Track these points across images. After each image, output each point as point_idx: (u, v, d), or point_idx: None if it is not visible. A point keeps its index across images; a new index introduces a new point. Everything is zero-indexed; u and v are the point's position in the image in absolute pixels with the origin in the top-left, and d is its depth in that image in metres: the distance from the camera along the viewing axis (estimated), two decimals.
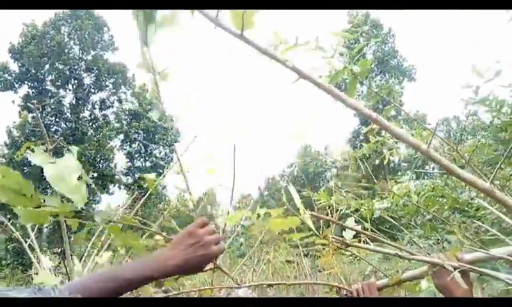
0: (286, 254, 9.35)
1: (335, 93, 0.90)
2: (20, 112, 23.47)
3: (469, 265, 0.93)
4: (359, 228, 1.17)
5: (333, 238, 1.10)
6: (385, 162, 2.84)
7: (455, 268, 0.90)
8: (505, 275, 0.83)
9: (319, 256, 10.64)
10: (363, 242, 1.33)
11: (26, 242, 2.70)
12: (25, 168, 22.23)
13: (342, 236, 1.16)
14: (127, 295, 0.90)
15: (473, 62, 1.57)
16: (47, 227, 23.10)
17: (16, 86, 24.11)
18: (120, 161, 27.83)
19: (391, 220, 2.24)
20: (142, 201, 2.49)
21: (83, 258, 2.73)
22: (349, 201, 2.68)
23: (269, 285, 1.55)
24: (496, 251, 0.94)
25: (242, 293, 1.90)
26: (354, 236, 1.22)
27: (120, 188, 26.10)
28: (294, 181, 38.48)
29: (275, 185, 47.17)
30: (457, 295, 0.95)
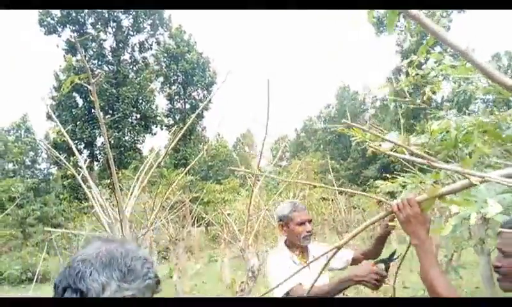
0: (321, 192, 9.56)
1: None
2: (64, 55, 24.27)
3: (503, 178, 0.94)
4: (397, 140, 1.19)
5: (370, 146, 1.15)
6: (425, 97, 2.76)
7: (483, 181, 0.94)
8: None
9: (353, 195, 10.81)
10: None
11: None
12: (74, 110, 23.46)
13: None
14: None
15: None
16: (97, 164, 24.72)
17: (59, 29, 24.71)
18: (161, 103, 28.56)
19: (425, 156, 2.24)
20: (180, 135, 2.63)
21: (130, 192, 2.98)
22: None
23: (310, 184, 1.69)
24: None
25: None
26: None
27: (161, 129, 27.03)
28: (331, 122, 37.90)
29: (312, 126, 46.75)
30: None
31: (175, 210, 9.32)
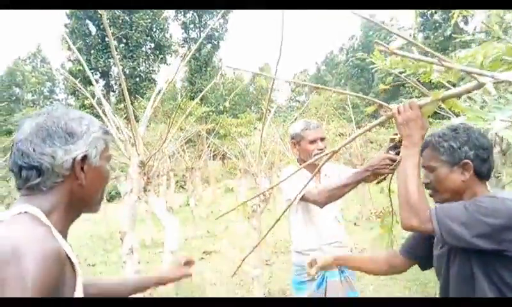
0: (338, 127, 9.46)
1: None
2: None
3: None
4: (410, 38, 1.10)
5: (377, 42, 1.07)
6: (453, 21, 2.55)
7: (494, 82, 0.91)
8: None
9: (370, 130, 10.68)
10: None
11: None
12: (87, 38, 23.12)
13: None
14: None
15: None
16: (113, 95, 24.91)
17: None
18: (175, 32, 27.77)
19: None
20: (189, 56, 2.53)
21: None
22: (406, 63, 2.54)
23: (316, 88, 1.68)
24: None
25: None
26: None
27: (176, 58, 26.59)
28: (354, 54, 36.43)
29: (333, 59, 45.13)
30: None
31: (191, 141, 9.44)
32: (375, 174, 1.76)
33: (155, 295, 4.50)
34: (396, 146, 1.75)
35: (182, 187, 15.30)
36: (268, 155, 5.77)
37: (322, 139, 2.16)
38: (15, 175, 0.86)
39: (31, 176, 0.84)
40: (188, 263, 1.42)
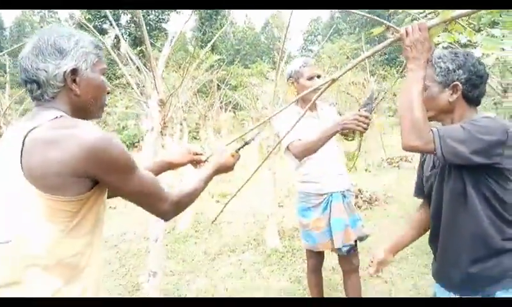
0: (351, 76, 9.30)
1: None
2: None
3: None
4: None
5: None
6: None
7: None
8: None
9: (384, 78, 10.49)
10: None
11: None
12: None
13: None
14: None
15: None
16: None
17: None
18: None
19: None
20: None
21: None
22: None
23: None
24: None
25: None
26: None
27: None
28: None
29: None
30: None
31: (203, 92, 9.39)
32: (345, 129, 1.88)
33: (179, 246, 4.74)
34: (367, 104, 1.85)
35: (195, 138, 15.48)
36: (280, 103, 5.80)
37: (318, 76, 2.23)
38: (25, 88, 1.00)
39: (33, 89, 0.97)
40: (196, 154, 1.59)
